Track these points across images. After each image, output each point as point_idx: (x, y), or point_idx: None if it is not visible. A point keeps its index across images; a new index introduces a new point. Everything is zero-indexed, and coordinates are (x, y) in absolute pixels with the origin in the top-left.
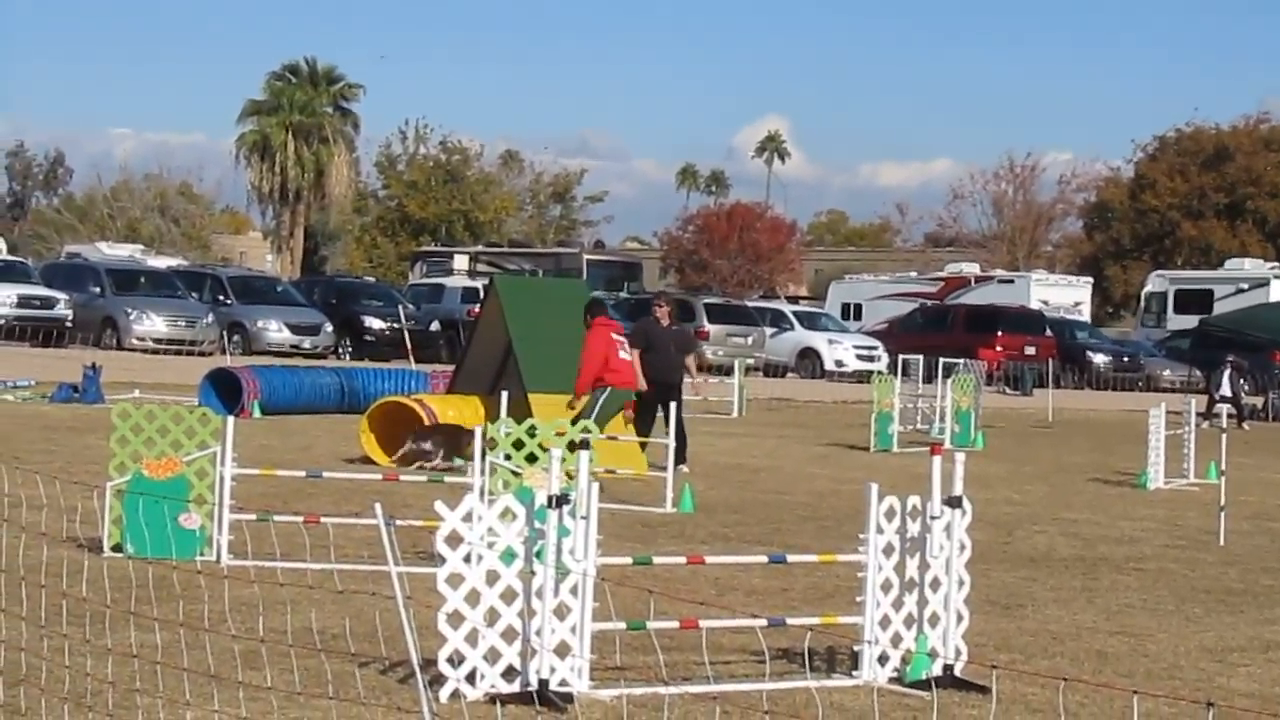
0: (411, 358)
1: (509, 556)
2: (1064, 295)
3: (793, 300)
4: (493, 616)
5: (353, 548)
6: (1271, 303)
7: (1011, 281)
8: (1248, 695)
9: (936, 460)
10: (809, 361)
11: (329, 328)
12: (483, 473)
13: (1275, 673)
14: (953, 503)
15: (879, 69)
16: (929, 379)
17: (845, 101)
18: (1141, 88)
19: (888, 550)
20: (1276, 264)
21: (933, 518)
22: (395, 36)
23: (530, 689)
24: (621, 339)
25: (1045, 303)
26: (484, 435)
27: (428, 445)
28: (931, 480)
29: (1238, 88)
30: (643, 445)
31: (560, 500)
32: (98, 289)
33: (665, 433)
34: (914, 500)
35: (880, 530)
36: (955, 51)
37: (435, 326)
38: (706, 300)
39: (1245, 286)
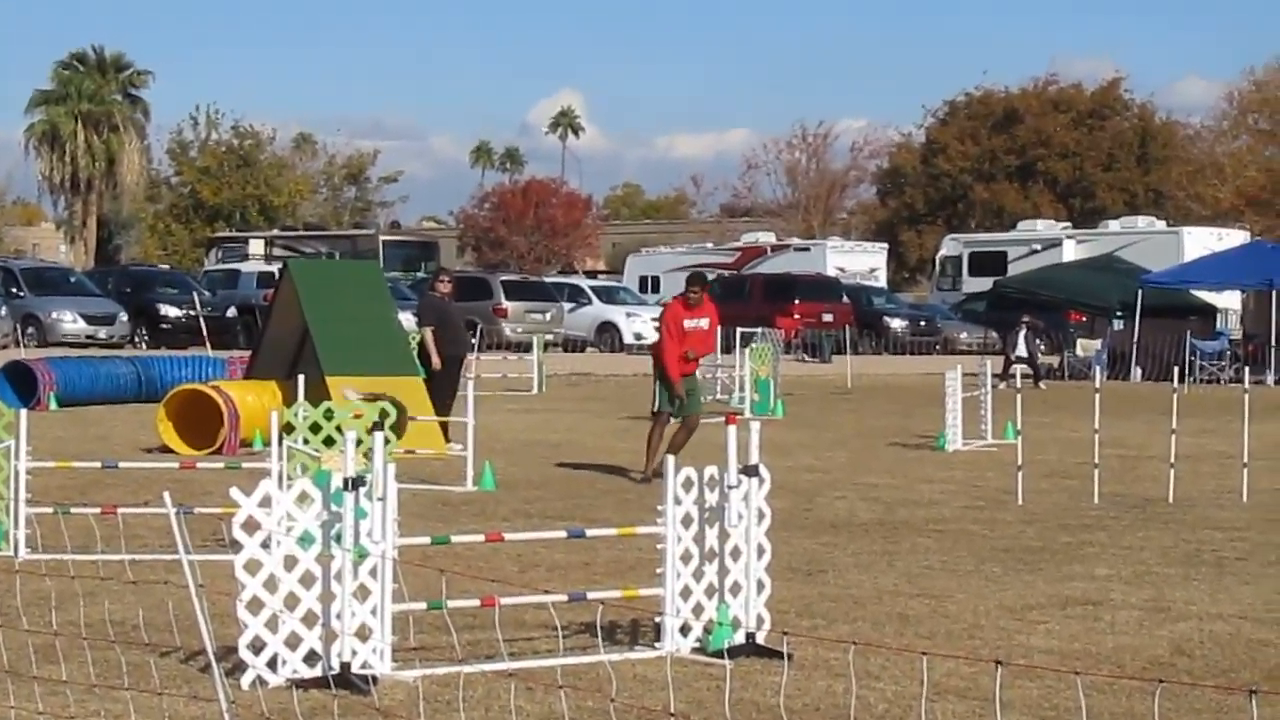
0: (208, 344)
1: (307, 540)
2: (860, 262)
3: (590, 275)
4: (292, 601)
5: (153, 537)
6: (1065, 263)
7: (807, 250)
8: (1046, 652)
9: (732, 430)
10: (608, 335)
11: (124, 317)
12: (280, 458)
13: (1073, 629)
14: (749, 471)
15: (672, 41)
16: (727, 349)
17: (639, 74)
18: (931, 53)
19: (686, 521)
20: (1068, 224)
21: (730, 487)
22: (183, 21)
23: (332, 673)
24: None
25: (841, 270)
26: (280, 420)
27: None
28: (728, 450)
29: (1026, 50)
30: (443, 425)
31: (356, 482)
32: None
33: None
34: (711, 470)
35: (678, 501)
36: (748, 20)
37: (231, 312)
38: (504, 278)
39: (1038, 247)
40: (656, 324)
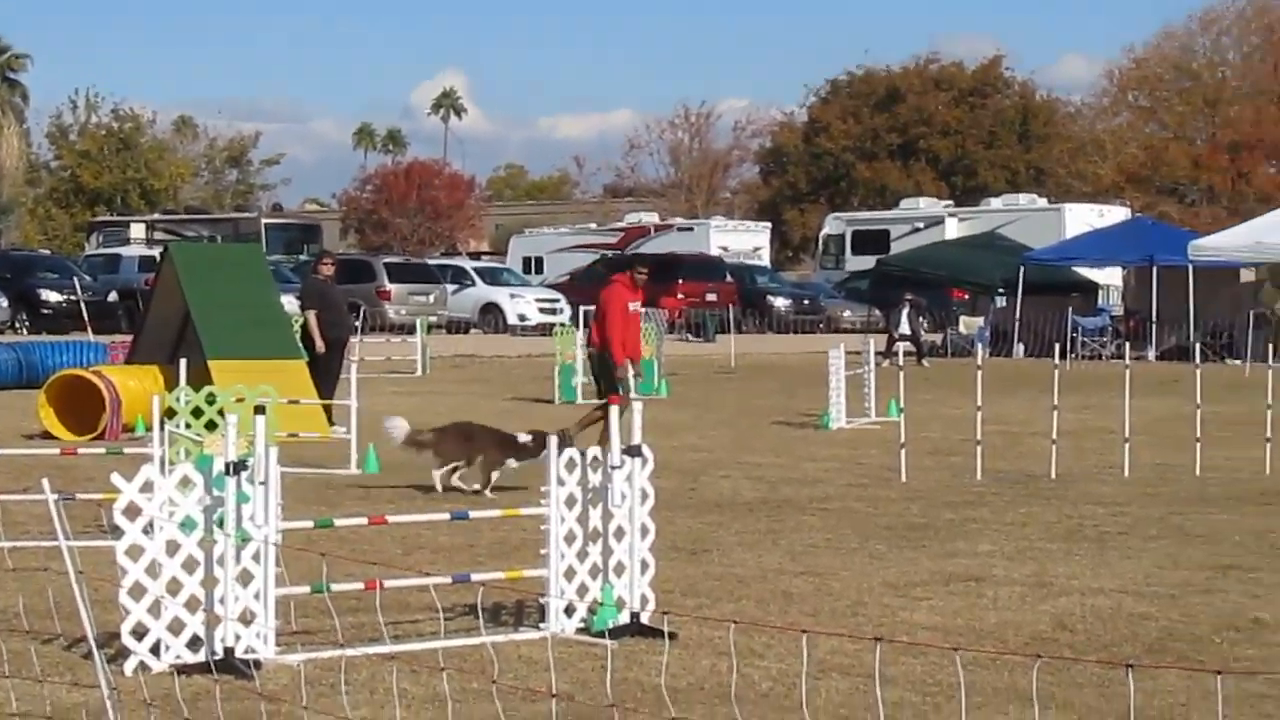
0: (89, 329)
1: (189, 525)
2: (743, 241)
3: (474, 256)
4: (175, 587)
5: (34, 524)
6: (947, 241)
7: (691, 229)
8: (929, 628)
9: (615, 410)
10: (492, 317)
11: (4, 302)
12: (162, 443)
13: (956, 605)
14: (632, 451)
15: (555, 21)
16: None
17: (522, 55)
18: (813, 32)
19: (570, 502)
20: (950, 202)
21: (613, 467)
22: (61, 3)
23: (215, 658)
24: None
25: (725, 249)
26: (162, 405)
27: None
28: (611, 430)
29: (908, 29)
30: (326, 408)
31: (238, 467)
32: None
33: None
34: (595, 451)
35: (561, 482)
36: (631, 0)
37: (113, 297)
38: (387, 260)
39: (921, 225)
40: (597, 312)
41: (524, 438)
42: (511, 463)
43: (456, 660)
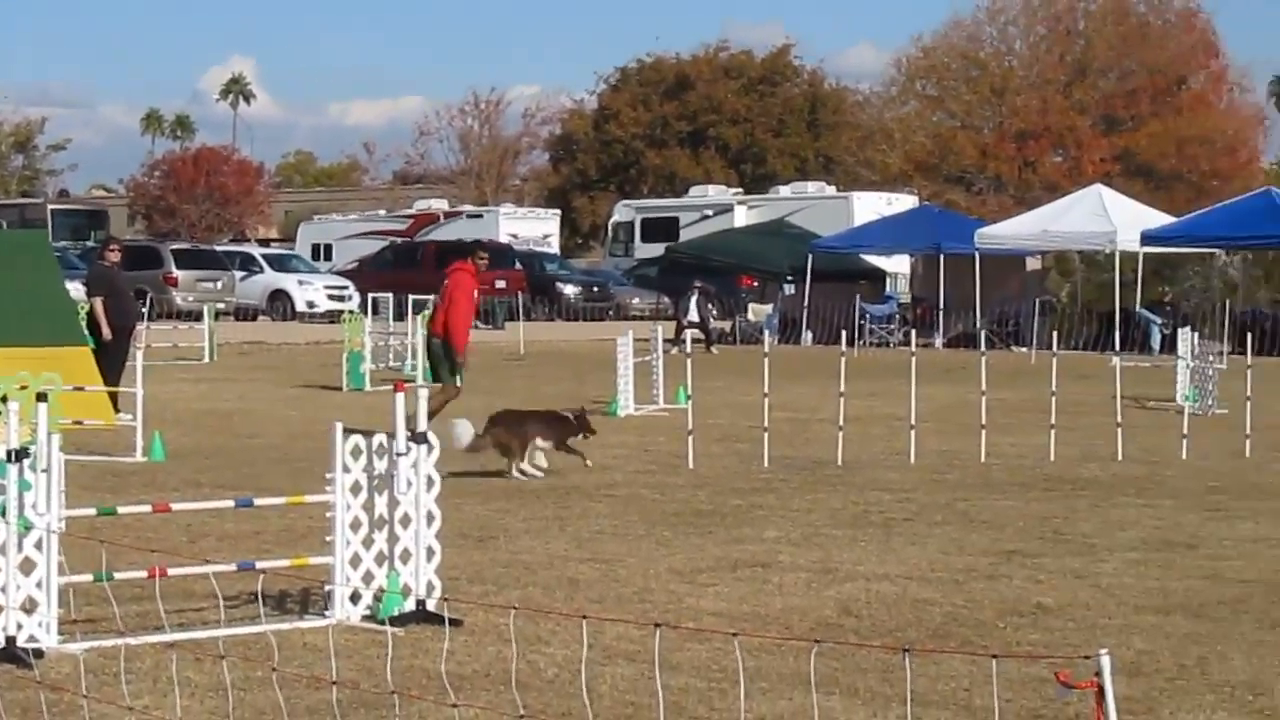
0: None
1: None
2: (533, 228)
3: (263, 243)
4: None
5: None
6: (736, 228)
7: (480, 216)
8: (715, 614)
9: (400, 397)
10: (280, 304)
11: None
12: None
13: (742, 590)
14: (418, 439)
15: (344, 6)
16: (400, 316)
17: (312, 40)
18: (603, 19)
19: (355, 489)
20: (740, 190)
21: (399, 454)
22: None
23: None
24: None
25: (514, 236)
26: None
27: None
28: (396, 417)
29: (698, 16)
30: (112, 395)
31: (20, 454)
32: None
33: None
34: (380, 438)
35: (347, 469)
36: None
37: None
38: (174, 246)
39: (710, 213)
40: (436, 297)
41: (567, 415)
42: (540, 440)
43: (241, 648)
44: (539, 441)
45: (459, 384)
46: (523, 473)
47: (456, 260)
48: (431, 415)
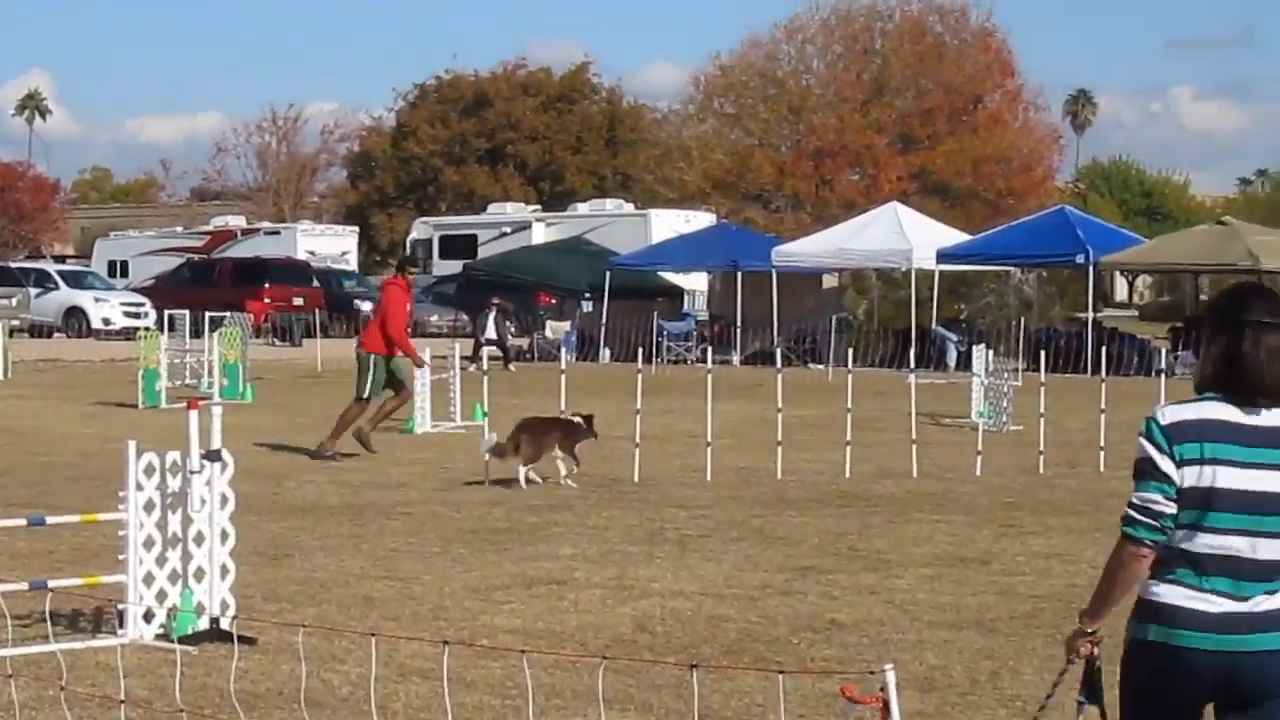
0: None
1: None
2: (331, 245)
3: (59, 260)
4: None
5: None
6: (534, 245)
7: (278, 233)
8: (511, 631)
9: (194, 414)
10: (76, 320)
11: None
12: None
13: (537, 608)
14: (211, 456)
15: (141, 21)
16: (197, 334)
17: (108, 55)
18: (401, 36)
19: (149, 507)
20: (538, 207)
21: (192, 472)
22: None
23: None
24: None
25: (312, 253)
26: None
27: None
28: (189, 435)
29: (496, 34)
30: None
31: None
32: None
33: None
34: (174, 455)
35: (140, 487)
36: (219, 2)
37: None
38: None
39: (508, 230)
40: (372, 308)
41: (578, 421)
42: (558, 449)
43: (32, 668)
44: (557, 450)
45: (368, 396)
46: (529, 480)
47: (391, 278)
48: (375, 423)
